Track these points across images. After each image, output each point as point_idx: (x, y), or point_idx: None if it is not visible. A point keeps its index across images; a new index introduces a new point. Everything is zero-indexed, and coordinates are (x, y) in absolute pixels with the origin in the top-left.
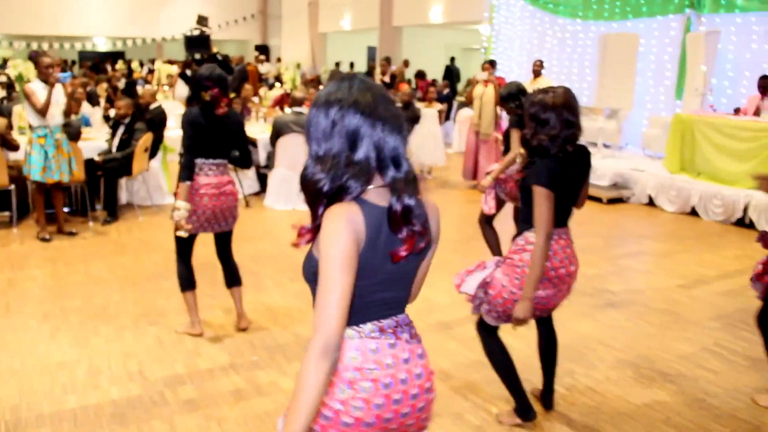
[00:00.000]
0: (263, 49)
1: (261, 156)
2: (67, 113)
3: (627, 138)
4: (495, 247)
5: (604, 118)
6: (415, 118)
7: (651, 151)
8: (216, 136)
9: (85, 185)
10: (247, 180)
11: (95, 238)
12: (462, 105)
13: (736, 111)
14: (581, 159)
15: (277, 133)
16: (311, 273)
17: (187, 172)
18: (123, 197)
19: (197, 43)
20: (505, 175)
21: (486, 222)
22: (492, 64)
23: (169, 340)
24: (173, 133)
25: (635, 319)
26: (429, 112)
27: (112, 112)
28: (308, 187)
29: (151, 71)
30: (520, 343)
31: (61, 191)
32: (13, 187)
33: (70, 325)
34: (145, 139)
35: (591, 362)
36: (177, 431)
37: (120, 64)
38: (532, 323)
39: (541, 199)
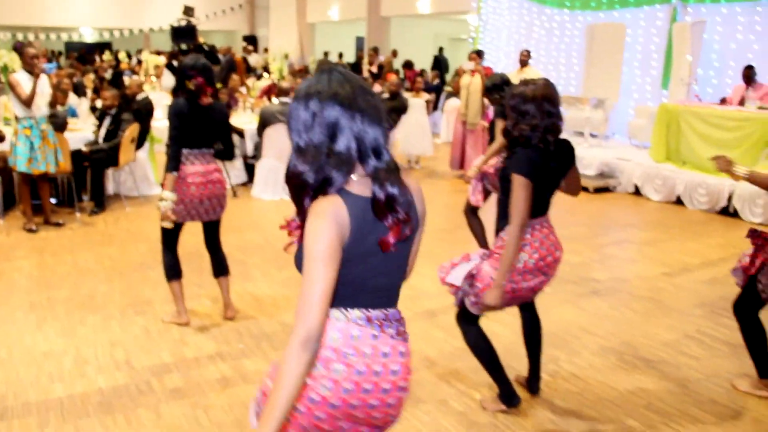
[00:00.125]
0: (251, 40)
1: (248, 146)
2: (52, 104)
3: (614, 128)
4: (480, 237)
5: (591, 107)
6: (402, 108)
7: (637, 140)
8: (202, 127)
9: (71, 176)
10: (235, 170)
11: (82, 228)
12: (450, 95)
13: (722, 101)
14: (563, 151)
15: (264, 123)
16: (302, 265)
17: (173, 162)
18: (110, 188)
19: (183, 33)
20: (493, 168)
21: (471, 212)
22: (479, 54)
23: (156, 329)
24: (160, 123)
25: (619, 307)
26: (416, 102)
27: (98, 103)
28: (292, 179)
29: (139, 62)
30: (505, 329)
31: (47, 182)
32: None
33: (57, 315)
34: (132, 130)
35: (575, 349)
36: (163, 419)
37: (107, 55)
38: (514, 310)
39: (519, 188)
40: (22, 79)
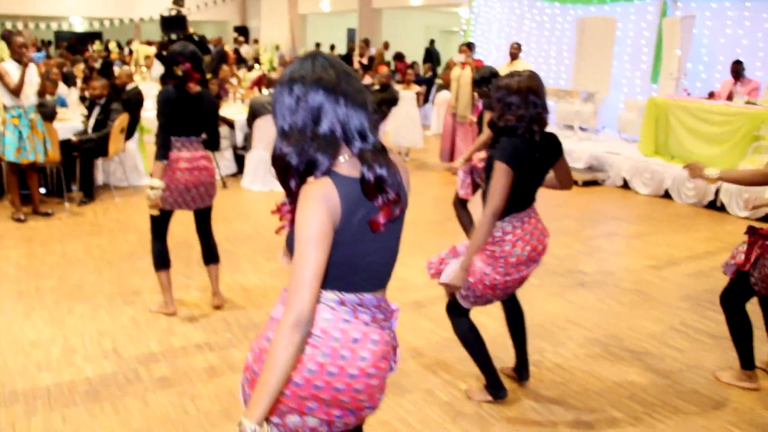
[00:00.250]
0: (242, 31)
1: (238, 137)
2: (41, 93)
3: (603, 121)
4: (469, 229)
5: (581, 101)
6: (393, 100)
7: (626, 134)
8: (190, 115)
9: (60, 166)
10: (225, 161)
11: (71, 218)
12: (440, 87)
13: (711, 95)
14: (549, 144)
15: (254, 114)
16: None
17: (162, 151)
18: (99, 178)
19: (173, 23)
20: (482, 162)
21: (460, 204)
22: (469, 46)
23: (144, 318)
24: (150, 114)
25: (605, 299)
26: (407, 94)
27: (88, 93)
28: (277, 162)
29: (130, 52)
30: (493, 321)
31: (35, 172)
32: None
33: (45, 304)
34: (121, 120)
35: (560, 340)
36: (150, 408)
37: (97, 45)
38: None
39: (500, 175)
40: (10, 68)
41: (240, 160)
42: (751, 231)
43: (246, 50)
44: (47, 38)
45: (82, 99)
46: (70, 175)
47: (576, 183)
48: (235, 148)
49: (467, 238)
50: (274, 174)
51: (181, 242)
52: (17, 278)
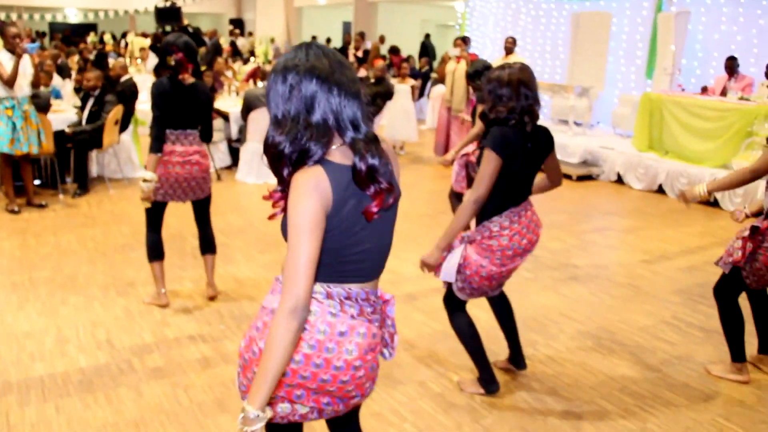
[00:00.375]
0: (238, 23)
1: (233, 130)
2: (35, 84)
3: (598, 116)
4: None
5: (576, 96)
6: (388, 94)
7: (621, 129)
8: (185, 107)
9: (55, 157)
10: (219, 154)
11: (65, 210)
12: (436, 82)
13: (704, 89)
14: (541, 136)
15: (248, 107)
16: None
17: (156, 143)
18: (94, 170)
19: (168, 15)
20: (475, 153)
21: (456, 197)
22: (464, 40)
23: (137, 310)
24: (145, 106)
25: (598, 293)
26: (402, 88)
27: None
28: (269, 150)
29: (126, 44)
30: (486, 314)
31: (29, 163)
32: None
33: (39, 295)
34: (116, 112)
35: (552, 334)
36: (144, 398)
37: (92, 37)
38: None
39: (487, 161)
40: (3, 59)
41: (234, 153)
42: (753, 230)
43: (242, 43)
44: (42, 29)
45: (77, 90)
46: (64, 166)
47: (570, 178)
48: (229, 140)
49: (462, 232)
50: (266, 162)
51: (176, 234)
52: (11, 269)
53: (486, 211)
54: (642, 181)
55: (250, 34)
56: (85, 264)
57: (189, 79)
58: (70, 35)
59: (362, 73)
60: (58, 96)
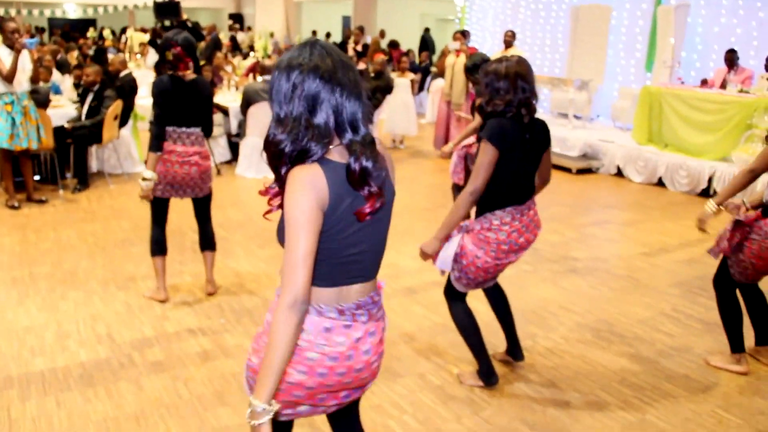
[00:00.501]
0: (237, 18)
1: (232, 124)
2: (34, 80)
3: (598, 109)
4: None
5: (575, 89)
6: (387, 88)
7: (620, 122)
8: (186, 103)
9: (54, 153)
10: (219, 148)
11: (65, 205)
12: (435, 75)
13: (703, 82)
14: (537, 128)
15: (248, 101)
16: (283, 236)
17: (156, 142)
18: (93, 165)
19: (167, 9)
20: (474, 145)
21: (458, 190)
22: (464, 34)
23: (137, 304)
24: (144, 101)
25: (597, 285)
26: (402, 82)
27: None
28: (270, 148)
29: (125, 40)
30: (487, 307)
31: (29, 159)
32: None
33: (39, 290)
34: (115, 107)
35: (551, 326)
36: (144, 391)
37: (91, 32)
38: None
39: (485, 153)
40: (2, 55)
41: (234, 148)
42: (736, 223)
43: (241, 38)
44: (41, 25)
45: (77, 86)
46: (64, 162)
47: (570, 171)
48: (229, 135)
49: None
50: (266, 158)
51: (175, 230)
52: (11, 265)
53: (488, 208)
54: (642, 174)
55: (250, 28)
56: (85, 259)
57: (190, 75)
58: (70, 31)
59: (361, 66)
60: (57, 91)
